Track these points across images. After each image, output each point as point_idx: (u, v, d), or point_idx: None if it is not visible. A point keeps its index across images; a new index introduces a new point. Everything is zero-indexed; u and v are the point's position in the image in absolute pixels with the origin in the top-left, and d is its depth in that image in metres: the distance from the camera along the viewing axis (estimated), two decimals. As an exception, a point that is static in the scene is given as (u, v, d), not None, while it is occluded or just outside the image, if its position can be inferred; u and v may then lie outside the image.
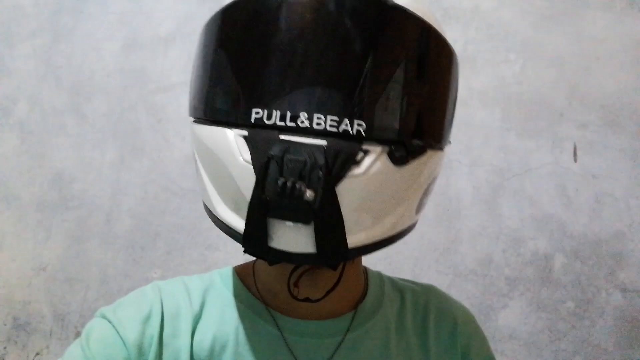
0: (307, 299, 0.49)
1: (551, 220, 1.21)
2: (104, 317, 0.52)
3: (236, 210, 0.45)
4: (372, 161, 0.42)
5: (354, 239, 0.43)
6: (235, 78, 0.46)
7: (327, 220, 0.41)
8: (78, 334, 1.31)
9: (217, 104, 0.47)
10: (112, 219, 1.33)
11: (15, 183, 1.37)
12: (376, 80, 0.43)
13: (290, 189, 0.39)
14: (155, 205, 1.33)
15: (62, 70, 1.41)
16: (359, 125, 0.41)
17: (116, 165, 1.35)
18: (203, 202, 0.52)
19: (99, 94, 1.39)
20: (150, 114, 1.37)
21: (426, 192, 0.51)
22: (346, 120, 0.41)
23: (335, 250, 0.43)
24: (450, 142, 0.53)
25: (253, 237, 0.43)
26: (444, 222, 1.23)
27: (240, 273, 0.57)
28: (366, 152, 0.42)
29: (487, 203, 1.24)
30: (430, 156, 0.47)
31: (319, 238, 0.41)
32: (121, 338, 0.49)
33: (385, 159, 0.43)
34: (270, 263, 0.49)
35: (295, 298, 0.48)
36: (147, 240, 1.32)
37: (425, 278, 1.21)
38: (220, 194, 0.47)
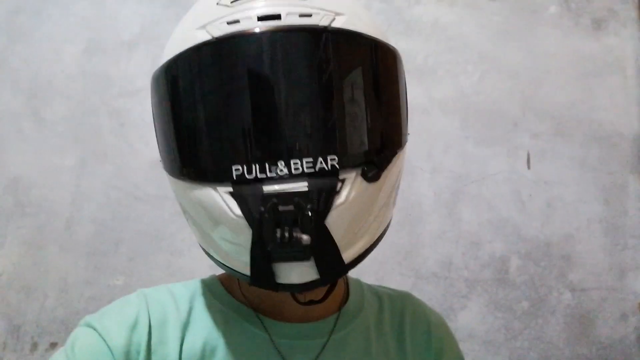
0: (311, 302, 0.51)
1: (507, 224, 1.27)
2: (89, 325, 0.51)
3: (238, 256, 0.47)
4: (350, 188, 0.45)
5: (348, 255, 0.47)
6: (206, 138, 0.47)
7: (324, 252, 0.45)
8: (34, 345, 1.26)
9: (195, 164, 0.49)
10: (72, 225, 1.30)
11: (-32, 188, 1.32)
12: (337, 112, 0.46)
13: (289, 238, 0.42)
14: (118, 211, 1.30)
15: (19, 73, 1.36)
16: (332, 159, 0.44)
17: (77, 170, 1.32)
18: (201, 245, 0.54)
19: (59, 98, 1.35)
20: (113, 118, 1.35)
21: (397, 188, 0.55)
22: (320, 159, 0.44)
23: (335, 271, 0.47)
24: (408, 134, 0.56)
25: (260, 278, 0.46)
26: (406, 226, 1.27)
27: (224, 281, 0.58)
28: (343, 181, 0.45)
29: (447, 208, 1.28)
30: (396, 159, 0.51)
31: (320, 266, 0.45)
32: (107, 346, 0.49)
33: (360, 181, 0.46)
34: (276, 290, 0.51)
35: (301, 303, 0.51)
36: (109, 246, 1.29)
37: (388, 281, 1.24)
38: (219, 243, 0.49)
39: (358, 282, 0.64)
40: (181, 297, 0.55)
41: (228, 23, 0.45)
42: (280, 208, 0.42)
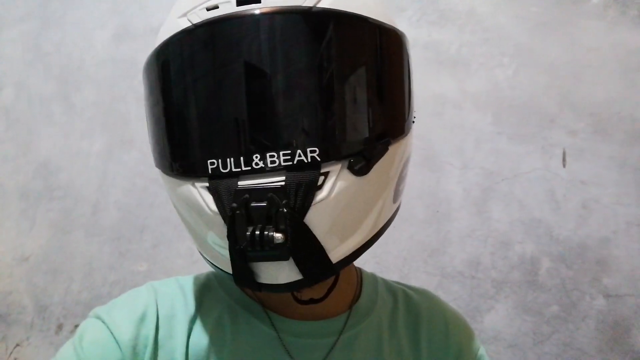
0: (311, 300, 0.49)
1: (539, 224, 1.23)
2: (97, 317, 0.51)
3: (220, 254, 0.46)
4: (334, 181, 0.42)
5: (336, 254, 0.44)
6: (182, 132, 0.46)
7: (304, 250, 0.42)
8: (60, 326, 1.29)
9: (174, 159, 0.47)
10: (98, 210, 1.31)
11: (-1, 171, 1.35)
12: (317, 103, 0.43)
13: (259, 236, 0.39)
14: (143, 198, 1.31)
15: (50, 57, 1.38)
16: (312, 151, 0.41)
17: (104, 156, 1.33)
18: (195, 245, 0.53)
19: (88, 83, 1.37)
20: (141, 105, 1.35)
21: (400, 179, 0.51)
22: (298, 151, 0.41)
23: (320, 271, 0.44)
24: (414, 119, 0.52)
25: (242, 278, 0.44)
26: (433, 223, 1.24)
27: None
28: (326, 174, 0.42)
29: (477, 206, 1.24)
30: (395, 148, 0.47)
31: (302, 266, 0.42)
32: (115, 339, 0.49)
33: (346, 173, 0.43)
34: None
35: (301, 302, 0.49)
36: (133, 233, 1.30)
37: (413, 279, 1.21)
38: (203, 240, 0.48)
39: (373, 278, 0.62)
40: (190, 291, 0.55)
41: (207, 9, 0.44)
42: (253, 204, 0.40)
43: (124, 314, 0.51)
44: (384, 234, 0.49)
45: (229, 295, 0.55)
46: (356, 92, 0.44)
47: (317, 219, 0.41)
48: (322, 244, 0.42)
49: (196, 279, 0.57)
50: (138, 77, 1.36)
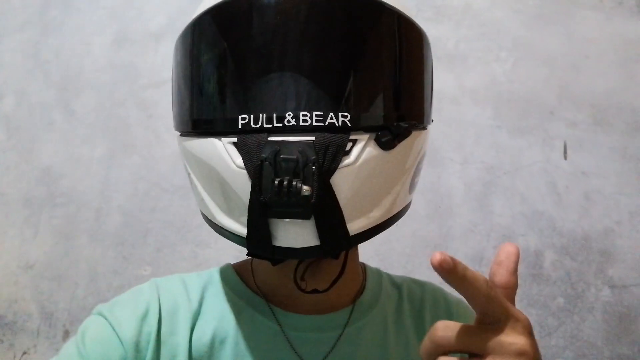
0: (314, 291, 0.49)
1: (541, 217, 1.22)
2: (100, 314, 0.51)
3: (236, 215, 0.45)
4: (361, 149, 0.43)
5: (354, 226, 0.44)
6: (215, 87, 0.46)
7: (326, 212, 0.42)
8: (66, 333, 1.29)
9: (201, 115, 0.48)
10: (101, 215, 1.32)
11: (2, 179, 1.35)
12: (354, 71, 0.44)
13: (287, 187, 0.39)
14: (146, 202, 1.31)
15: (50, 65, 1.38)
16: (343, 116, 0.42)
17: (105, 161, 1.34)
18: (201, 211, 0.52)
19: (88, 89, 1.37)
20: (141, 109, 1.36)
21: (416, 172, 0.52)
22: (331, 114, 0.42)
23: (338, 240, 0.44)
24: (432, 120, 0.54)
25: (256, 239, 0.44)
26: (435, 219, 1.24)
27: (239, 270, 0.57)
28: (354, 142, 0.43)
29: (479, 200, 1.24)
30: (415, 136, 0.48)
31: (321, 230, 0.42)
32: (117, 336, 0.49)
33: (373, 145, 0.44)
34: (274, 263, 0.49)
35: (304, 291, 0.48)
36: (137, 237, 1.30)
37: (417, 274, 1.21)
38: (218, 203, 0.47)
39: (377, 272, 0.62)
40: (193, 287, 0.55)
41: None
42: (282, 156, 0.40)
43: (126, 311, 0.51)
44: (396, 221, 0.50)
45: (231, 291, 0.55)
46: (391, 71, 0.46)
47: (341, 183, 0.42)
48: (343, 211, 0.43)
49: (199, 275, 0.57)
50: (138, 82, 1.37)
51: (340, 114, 0.42)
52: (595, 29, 1.28)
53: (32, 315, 1.30)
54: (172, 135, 1.34)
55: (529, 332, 0.34)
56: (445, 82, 1.28)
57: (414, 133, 0.47)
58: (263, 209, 0.41)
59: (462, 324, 0.34)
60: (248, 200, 0.42)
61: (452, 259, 0.32)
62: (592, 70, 1.27)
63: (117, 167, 1.33)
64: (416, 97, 0.49)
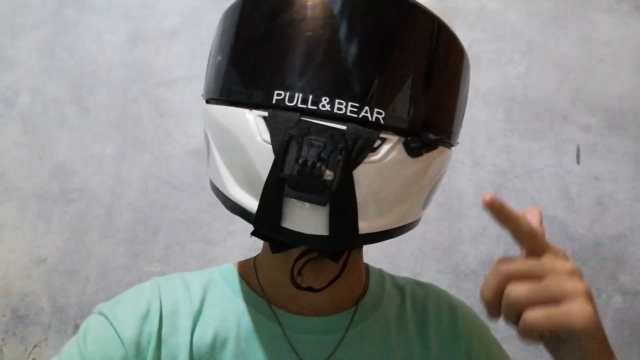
0: (309, 288, 0.48)
1: (553, 221, 1.21)
2: (101, 314, 0.51)
3: (250, 190, 0.45)
4: (389, 149, 0.43)
5: (364, 226, 0.44)
6: (257, 60, 0.46)
7: (343, 203, 0.41)
8: (77, 327, 1.30)
9: (236, 84, 0.47)
10: (112, 212, 1.33)
11: (16, 175, 1.37)
12: (396, 72, 0.45)
13: (310, 168, 0.39)
14: (156, 200, 1.32)
15: (65, 63, 1.40)
16: (378, 113, 0.42)
17: (117, 158, 1.35)
18: (212, 183, 0.51)
19: (102, 87, 1.39)
20: (153, 108, 1.37)
21: (432, 189, 0.52)
22: (366, 108, 0.41)
23: (346, 235, 0.43)
24: (458, 142, 0.54)
25: (266, 216, 0.43)
26: (445, 221, 1.23)
27: (241, 269, 0.57)
28: (383, 140, 0.42)
29: (489, 203, 1.23)
30: (440, 152, 0.48)
31: (333, 221, 0.42)
32: (118, 336, 0.49)
33: (400, 148, 0.43)
34: (275, 250, 0.49)
35: (298, 286, 0.48)
36: (147, 234, 1.31)
37: (425, 277, 1.21)
38: (234, 174, 0.46)
39: (380, 274, 0.62)
40: (194, 286, 0.54)
41: None
42: (311, 137, 0.40)
43: (127, 311, 0.51)
44: (403, 232, 0.49)
45: (233, 291, 0.54)
46: (429, 81, 0.47)
47: (363, 178, 0.42)
48: (358, 208, 0.42)
49: (201, 274, 0.57)
50: (150, 80, 1.38)
51: (376, 109, 0.42)
52: (610, 33, 1.26)
53: (44, 309, 1.32)
54: (182, 133, 1.36)
55: (567, 259, 0.40)
56: (457, 84, 1.27)
57: (440, 148, 0.47)
58: (280, 185, 0.41)
59: (518, 258, 0.39)
60: (266, 174, 0.42)
61: (502, 202, 0.38)
62: (607, 74, 1.25)
63: (128, 165, 1.34)
64: (449, 113, 0.50)
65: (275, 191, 0.41)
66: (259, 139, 0.42)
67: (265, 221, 0.43)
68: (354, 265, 0.55)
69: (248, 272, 0.56)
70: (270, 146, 0.42)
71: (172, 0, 1.39)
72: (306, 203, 0.41)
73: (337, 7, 0.44)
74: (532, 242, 0.39)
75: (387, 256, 1.23)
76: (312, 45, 0.44)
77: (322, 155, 0.40)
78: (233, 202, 0.46)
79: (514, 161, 1.24)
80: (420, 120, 0.46)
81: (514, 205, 1.31)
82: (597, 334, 0.37)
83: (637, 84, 1.24)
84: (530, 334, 0.36)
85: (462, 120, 0.54)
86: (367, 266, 0.61)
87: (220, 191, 0.49)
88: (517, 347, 1.17)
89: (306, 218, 0.42)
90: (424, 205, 0.52)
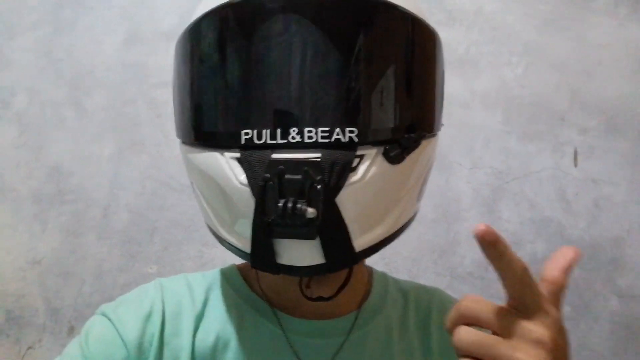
0: (320, 298, 0.48)
1: (550, 223, 1.21)
2: (104, 314, 0.51)
3: (240, 231, 0.44)
4: (368, 165, 0.41)
5: (360, 243, 0.43)
6: (218, 101, 0.45)
7: (332, 232, 0.41)
8: (72, 328, 1.30)
9: (203, 127, 0.46)
10: (109, 213, 1.33)
11: (12, 175, 1.36)
12: (362, 84, 0.43)
13: (292, 209, 0.38)
14: (153, 201, 1.32)
15: (62, 63, 1.40)
16: (350, 132, 0.40)
17: (114, 159, 1.35)
18: (206, 223, 0.51)
19: (99, 88, 1.38)
20: (150, 108, 1.36)
21: (424, 181, 0.51)
22: (337, 129, 0.40)
23: (343, 257, 0.43)
24: (442, 124, 0.53)
25: (261, 257, 0.43)
26: (442, 223, 1.23)
27: (243, 271, 0.57)
28: (361, 157, 0.41)
29: (487, 205, 1.23)
30: (424, 146, 0.47)
31: (326, 249, 0.41)
32: (121, 337, 0.48)
33: (380, 160, 0.42)
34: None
35: (309, 299, 0.48)
36: (144, 235, 1.31)
37: (422, 279, 1.20)
38: (222, 216, 0.46)
39: (383, 277, 0.61)
40: (197, 288, 0.54)
41: None
42: (287, 176, 0.39)
43: (130, 312, 0.51)
44: (402, 233, 0.49)
45: (236, 293, 0.54)
46: (397, 82, 0.45)
47: (347, 201, 0.41)
48: (349, 228, 0.42)
49: (204, 276, 0.57)
50: (148, 81, 1.37)
51: (347, 129, 0.40)
52: (608, 35, 1.26)
53: (39, 310, 1.31)
54: (180, 134, 1.35)
55: (557, 328, 0.33)
56: (456, 86, 1.27)
57: (423, 143, 0.46)
58: (267, 229, 0.40)
59: (491, 302, 0.35)
60: (252, 218, 0.41)
61: (497, 235, 0.32)
62: (604, 77, 1.26)
63: (125, 166, 1.34)
64: (426, 106, 0.48)
65: (263, 234, 0.41)
66: (237, 182, 0.42)
67: (261, 261, 0.43)
68: (357, 269, 0.55)
69: (250, 274, 0.56)
70: (249, 189, 0.41)
71: (169, 0, 1.39)
72: (296, 241, 0.41)
73: (288, 32, 0.42)
74: (519, 292, 0.34)
75: (384, 258, 1.23)
76: (269, 77, 0.42)
77: (302, 190, 0.39)
78: (228, 243, 0.47)
79: (512, 163, 1.24)
80: (396, 126, 0.44)
81: (511, 207, 1.31)
82: None
83: (634, 87, 1.25)
84: None
85: (442, 104, 0.52)
86: (370, 269, 0.61)
87: (213, 231, 0.50)
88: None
89: (300, 252, 0.42)
90: (418, 198, 0.51)
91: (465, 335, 0.34)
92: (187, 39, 0.47)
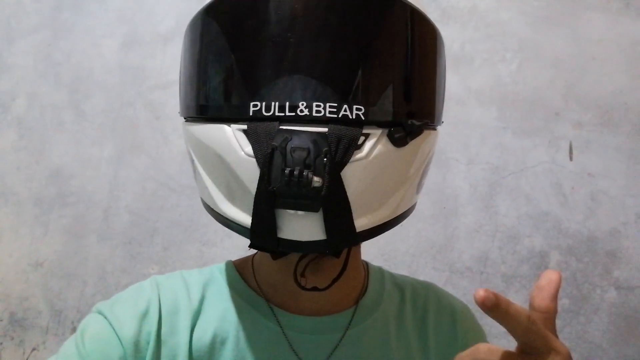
0: (314, 288, 0.48)
1: (547, 218, 1.22)
2: (100, 312, 0.51)
3: (241, 205, 0.44)
4: (373, 144, 0.42)
5: (361, 223, 0.43)
6: (229, 73, 0.45)
7: (335, 206, 0.41)
8: (75, 330, 1.30)
9: (211, 100, 0.47)
10: (109, 215, 1.34)
11: (13, 179, 1.37)
12: (371, 64, 0.44)
13: (298, 177, 0.38)
14: (153, 202, 1.33)
15: (61, 67, 1.41)
16: (357, 109, 0.41)
17: (114, 161, 1.36)
18: (202, 200, 0.51)
19: (98, 91, 1.39)
20: (149, 110, 1.37)
21: (424, 172, 0.52)
22: (345, 106, 0.41)
23: (344, 235, 0.43)
24: (442, 121, 0.54)
25: (261, 230, 0.42)
26: (440, 219, 1.24)
27: (239, 267, 0.57)
28: (367, 136, 0.42)
29: (484, 201, 1.24)
30: (426, 135, 0.48)
31: (328, 224, 0.41)
32: (117, 335, 0.48)
33: (385, 141, 0.43)
34: (276, 257, 0.48)
35: (303, 288, 0.47)
36: (144, 236, 1.32)
37: (421, 275, 1.21)
38: (223, 191, 0.46)
39: (380, 272, 0.61)
40: (194, 285, 0.54)
41: None
42: (294, 145, 0.39)
43: (126, 310, 0.50)
44: (401, 221, 0.49)
45: (233, 290, 0.54)
46: (406, 67, 0.46)
47: (352, 177, 0.41)
48: (351, 206, 0.42)
49: (200, 272, 0.56)
50: (146, 83, 1.39)
51: (355, 106, 0.41)
52: (601, 31, 1.27)
53: (42, 312, 1.32)
54: (179, 135, 1.36)
55: None
56: (451, 83, 1.28)
57: (425, 132, 0.47)
58: (271, 198, 0.40)
59: (504, 349, 0.35)
60: (255, 190, 0.41)
61: (495, 295, 0.32)
62: (599, 72, 1.27)
63: (125, 168, 1.35)
64: (429, 96, 0.49)
65: (266, 205, 0.41)
66: (242, 153, 0.42)
67: (261, 235, 0.43)
68: (353, 263, 0.54)
69: (246, 270, 0.56)
70: (254, 159, 0.41)
71: (167, 3, 1.40)
72: (299, 211, 0.41)
73: (300, 8, 0.43)
74: (529, 339, 0.34)
75: (384, 254, 1.24)
76: (280, 50, 0.43)
77: (308, 161, 0.39)
78: (226, 218, 0.46)
79: (508, 159, 1.25)
80: (401, 109, 0.45)
81: (508, 202, 1.32)
82: None
83: (628, 81, 1.26)
84: None
85: (443, 99, 0.53)
86: (366, 264, 0.61)
87: (211, 208, 0.49)
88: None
89: (301, 226, 0.42)
90: (418, 189, 0.51)
91: None
92: (202, 18, 0.48)
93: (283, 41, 0.43)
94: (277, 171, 0.39)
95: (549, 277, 0.37)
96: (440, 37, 0.51)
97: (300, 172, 0.38)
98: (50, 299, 1.32)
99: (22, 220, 1.36)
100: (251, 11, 0.45)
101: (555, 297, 0.36)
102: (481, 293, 0.32)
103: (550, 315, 0.36)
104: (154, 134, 1.36)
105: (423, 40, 0.48)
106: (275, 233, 0.42)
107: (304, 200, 0.39)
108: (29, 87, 1.41)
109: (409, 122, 0.44)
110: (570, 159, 1.23)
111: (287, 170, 0.38)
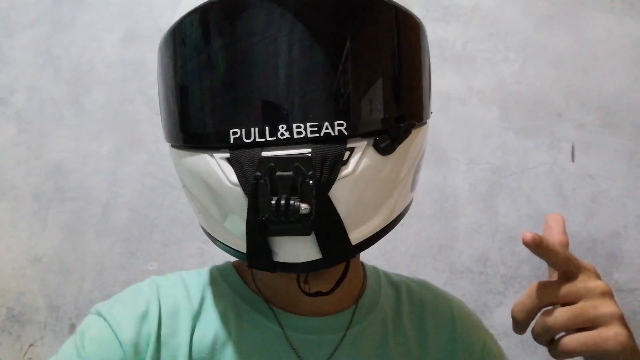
0: (318, 293, 0.48)
1: (547, 219, 1.22)
2: (99, 314, 0.51)
3: (235, 232, 0.44)
4: (359, 158, 0.41)
5: (356, 235, 0.43)
6: (205, 101, 0.45)
7: (327, 226, 0.41)
8: (73, 326, 1.30)
9: (191, 129, 0.46)
10: (108, 211, 1.33)
11: (12, 173, 1.37)
12: (348, 77, 0.42)
13: (285, 206, 0.38)
14: (153, 198, 1.32)
15: (61, 61, 1.40)
16: (339, 125, 0.40)
17: (114, 157, 1.35)
18: (201, 225, 0.51)
19: (98, 85, 1.38)
20: (149, 106, 1.37)
21: (417, 171, 0.51)
22: (326, 124, 0.40)
23: (340, 251, 0.43)
24: (432, 112, 0.53)
25: (257, 256, 0.42)
26: (440, 219, 1.24)
27: (239, 268, 0.57)
28: (352, 150, 0.41)
29: (484, 201, 1.24)
30: (415, 134, 0.46)
31: (322, 244, 0.41)
32: (117, 337, 0.48)
33: (371, 151, 0.42)
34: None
35: (307, 294, 0.47)
36: (143, 232, 1.31)
37: (421, 275, 1.21)
38: (216, 218, 0.46)
39: (375, 271, 0.61)
40: (193, 286, 0.54)
41: None
42: (278, 173, 0.39)
43: (125, 311, 0.50)
44: (398, 224, 0.49)
45: (233, 291, 0.54)
46: (384, 73, 0.45)
47: (341, 194, 0.40)
48: (344, 222, 0.41)
49: (199, 273, 0.56)
50: (147, 79, 1.38)
51: (336, 122, 0.40)
52: (605, 31, 1.27)
53: (40, 308, 1.31)
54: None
55: (599, 276, 0.42)
56: (453, 82, 1.27)
57: (414, 132, 0.46)
58: (261, 227, 0.40)
59: (551, 281, 0.41)
60: (245, 218, 0.41)
61: (540, 236, 0.39)
62: (601, 72, 1.26)
63: (124, 163, 1.34)
64: (415, 95, 0.47)
65: (258, 233, 0.41)
66: (228, 183, 0.41)
67: (258, 260, 0.43)
68: (353, 262, 0.55)
69: (246, 271, 0.56)
70: (241, 188, 0.41)
71: (168, -2, 1.39)
72: (292, 238, 0.41)
73: (272, 28, 0.42)
74: (567, 266, 0.41)
75: (384, 254, 1.23)
76: (255, 75, 0.42)
77: (294, 186, 0.39)
78: (223, 244, 0.46)
79: (509, 159, 1.25)
80: (385, 116, 0.44)
81: (508, 203, 1.31)
82: (632, 356, 0.38)
83: (631, 82, 1.25)
84: (566, 356, 0.39)
85: (430, 92, 0.51)
86: (362, 264, 0.61)
87: (208, 232, 0.49)
88: (512, 343, 1.18)
89: (296, 248, 0.42)
90: (412, 187, 0.51)
91: (556, 315, 0.39)
92: (170, 40, 0.47)
93: (256, 64, 0.42)
94: (264, 201, 0.39)
95: (554, 218, 0.45)
96: (423, 28, 0.49)
97: (287, 200, 0.38)
98: (48, 294, 1.32)
99: (20, 215, 1.35)
100: (217, 33, 0.44)
101: (564, 231, 0.44)
102: (529, 235, 0.39)
103: (564, 247, 0.42)
104: (154, 130, 1.35)
105: (403, 42, 0.46)
106: (271, 257, 0.42)
107: (295, 225, 0.39)
108: (29, 81, 1.40)
109: (395, 127, 0.43)
110: (573, 160, 1.23)
111: (273, 200, 0.38)
